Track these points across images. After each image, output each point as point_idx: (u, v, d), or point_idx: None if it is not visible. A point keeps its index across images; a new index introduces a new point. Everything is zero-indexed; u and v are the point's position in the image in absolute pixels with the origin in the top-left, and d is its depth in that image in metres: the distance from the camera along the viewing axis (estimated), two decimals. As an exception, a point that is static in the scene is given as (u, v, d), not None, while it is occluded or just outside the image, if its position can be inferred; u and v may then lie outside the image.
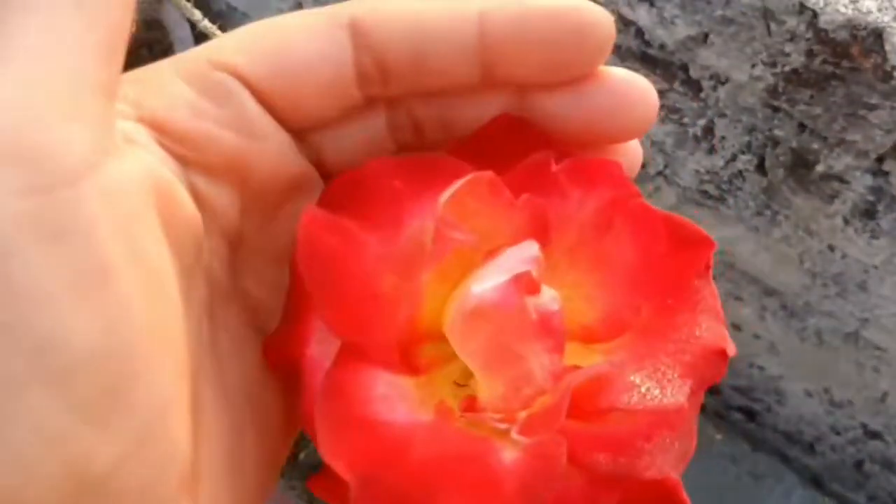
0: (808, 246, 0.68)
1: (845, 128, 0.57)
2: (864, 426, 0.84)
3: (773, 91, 0.58)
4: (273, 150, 0.19)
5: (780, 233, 0.68)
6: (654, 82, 0.63)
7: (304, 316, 0.18)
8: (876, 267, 0.65)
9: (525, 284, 0.17)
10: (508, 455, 0.17)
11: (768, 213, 0.67)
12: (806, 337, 0.78)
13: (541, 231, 0.18)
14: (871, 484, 0.91)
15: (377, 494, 0.16)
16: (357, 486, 0.16)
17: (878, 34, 0.50)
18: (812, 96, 0.56)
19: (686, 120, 0.65)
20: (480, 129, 0.19)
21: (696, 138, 0.66)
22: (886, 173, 0.59)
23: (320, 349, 0.17)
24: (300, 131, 0.20)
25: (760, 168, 0.64)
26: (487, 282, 0.17)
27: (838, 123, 0.57)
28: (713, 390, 0.95)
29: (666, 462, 0.17)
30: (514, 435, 0.17)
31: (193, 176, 0.18)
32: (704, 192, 0.70)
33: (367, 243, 0.17)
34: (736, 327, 0.83)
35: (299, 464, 0.76)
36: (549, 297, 0.17)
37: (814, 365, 0.81)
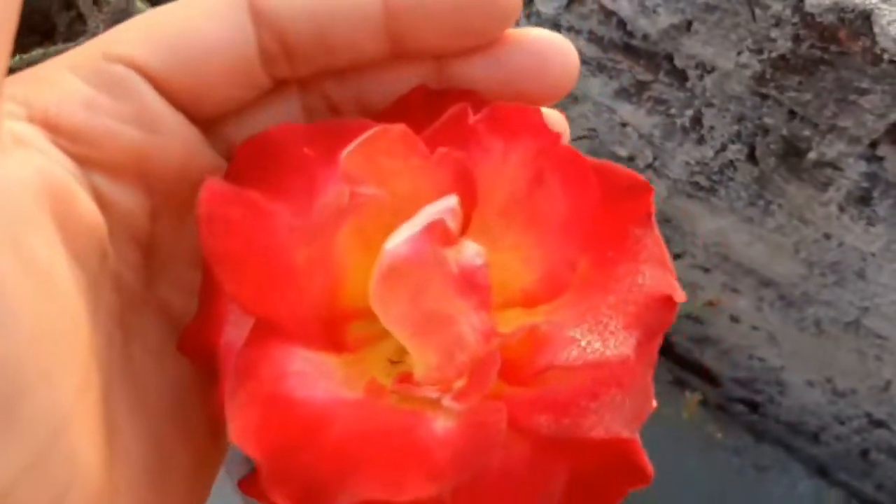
0: (803, 235, 0.66)
1: (836, 113, 0.55)
2: (868, 415, 0.83)
3: (760, 78, 0.56)
4: (180, 144, 0.18)
5: (774, 222, 0.67)
6: (638, 74, 0.60)
7: (218, 301, 0.16)
8: (874, 254, 0.64)
9: (439, 234, 0.16)
10: (441, 425, 0.15)
11: (761, 202, 0.66)
12: (805, 327, 0.76)
13: (466, 188, 0.17)
14: (877, 472, 0.90)
15: (289, 474, 0.15)
16: (267, 466, 0.15)
17: (865, 16, 0.49)
18: (801, 82, 0.54)
19: (673, 111, 0.63)
20: (397, 100, 0.19)
21: (685, 129, 0.64)
22: (881, 159, 0.57)
23: (236, 334, 0.16)
24: (208, 122, 0.19)
25: (751, 157, 0.63)
26: (400, 237, 0.16)
27: (829, 109, 0.55)
28: (713, 383, 0.94)
29: (615, 421, 0.16)
30: (447, 402, 0.16)
31: (95, 177, 0.17)
32: (695, 184, 0.68)
33: (276, 214, 0.16)
34: (734, 319, 0.82)
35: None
36: (471, 251, 0.16)
37: (815, 355, 0.79)
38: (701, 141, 0.64)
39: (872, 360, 0.75)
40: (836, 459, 0.93)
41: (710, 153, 0.65)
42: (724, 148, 0.64)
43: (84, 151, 0.17)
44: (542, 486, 0.16)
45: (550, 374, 0.16)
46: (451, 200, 0.16)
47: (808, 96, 0.55)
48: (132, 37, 0.18)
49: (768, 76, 0.55)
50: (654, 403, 0.17)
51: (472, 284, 0.16)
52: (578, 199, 0.17)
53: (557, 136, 0.18)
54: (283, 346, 0.16)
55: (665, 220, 0.75)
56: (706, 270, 0.78)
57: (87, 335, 0.16)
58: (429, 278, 0.16)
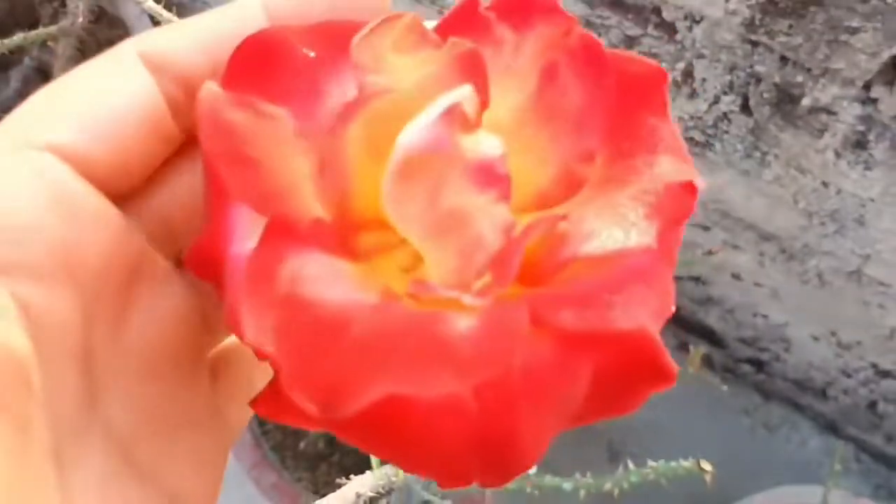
0: (801, 185, 0.66)
1: (828, 56, 0.55)
2: (874, 366, 0.83)
3: (750, 25, 0.55)
4: (105, 230, 0.16)
5: (771, 174, 0.66)
6: (626, 29, 0.60)
7: (223, 212, 0.16)
8: (873, 200, 0.63)
9: (457, 121, 0.15)
10: (463, 323, 0.15)
11: (757, 154, 0.65)
12: (808, 280, 0.76)
13: (479, 78, 0.16)
14: (886, 424, 0.90)
15: (310, 373, 0.14)
16: (287, 366, 0.14)
17: (853, -48, 0.48)
18: (791, 26, 0.54)
19: (664, 65, 0.62)
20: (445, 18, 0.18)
21: (677, 83, 0.63)
22: (875, 101, 0.57)
23: (244, 245, 0.15)
24: (128, 200, 0.17)
25: (745, 108, 0.62)
26: (415, 127, 0.15)
27: (821, 52, 0.55)
28: (719, 344, 0.93)
29: (640, 313, 0.15)
30: (467, 300, 0.15)
31: (17, 285, 0.15)
32: (690, 140, 0.68)
33: (280, 118, 0.16)
34: (735, 277, 0.81)
35: (301, 453, 0.74)
36: (489, 141, 0.15)
37: (818, 308, 0.79)
38: (693, 95, 0.64)
39: (876, 309, 0.74)
40: (844, 414, 0.93)
41: (704, 107, 0.64)
42: (717, 100, 0.63)
43: (2, 255, 0.15)
44: (566, 385, 0.15)
45: (571, 270, 0.16)
46: (466, 89, 0.16)
47: (799, 40, 0.55)
48: (40, 117, 0.17)
49: (758, 22, 0.55)
50: (673, 308, 0.16)
51: (491, 175, 0.15)
52: (593, 91, 0.17)
53: (571, 21, 0.17)
54: (296, 248, 0.15)
55: (662, 180, 0.74)
56: (706, 229, 0.78)
57: (9, 494, 0.14)
58: (446, 171, 0.15)
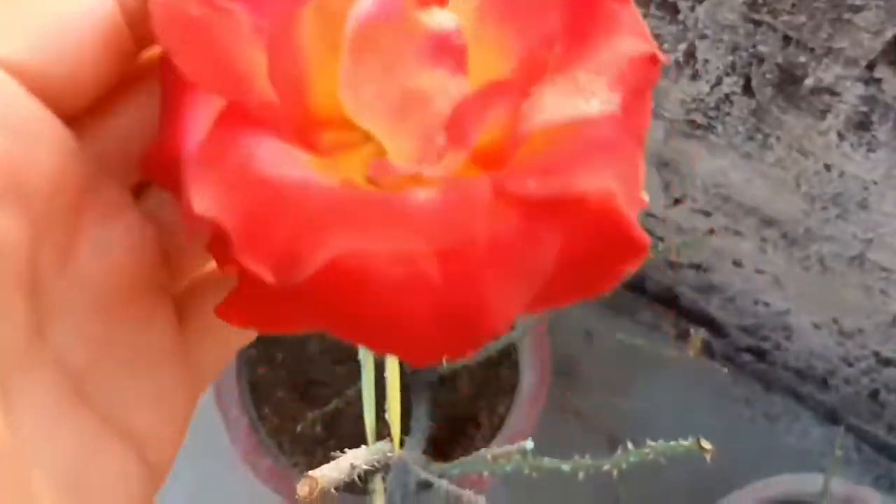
0: (803, 167, 0.65)
1: (831, 35, 0.54)
2: (876, 354, 0.82)
3: (752, 4, 0.55)
4: (56, 150, 0.16)
5: (773, 156, 0.66)
6: None
7: (179, 112, 0.15)
8: (876, 182, 0.63)
9: None
10: (423, 195, 0.14)
11: (759, 136, 0.65)
12: (809, 266, 0.76)
13: None
14: (888, 413, 0.89)
15: (264, 238, 0.14)
16: (238, 231, 0.14)
17: (857, -74, 0.48)
18: (794, 4, 0.53)
19: (666, 46, 0.62)
20: None
21: (679, 64, 0.63)
22: (878, 80, 0.56)
23: (199, 140, 0.15)
24: (79, 120, 0.17)
25: (747, 89, 0.62)
26: (367, 1, 0.15)
27: (824, 31, 0.54)
28: (720, 332, 0.93)
29: (605, 178, 0.15)
30: (427, 171, 0.15)
31: None
32: (692, 122, 0.67)
33: (235, 12, 0.15)
34: (737, 263, 0.81)
35: (298, 438, 0.74)
36: (443, 17, 0.15)
37: (820, 294, 0.79)
38: (695, 76, 0.63)
39: (878, 295, 0.74)
40: (845, 403, 0.92)
41: (706, 88, 0.64)
42: (719, 82, 0.63)
43: None
44: (532, 256, 0.15)
45: (533, 145, 0.16)
46: None
47: (802, 18, 0.54)
48: None
49: (760, 1, 0.54)
50: (646, 199, 0.16)
51: (446, 47, 0.15)
52: None
53: None
54: (252, 133, 0.15)
55: (663, 164, 0.74)
56: (707, 214, 0.77)
57: None
58: (400, 44, 0.15)
